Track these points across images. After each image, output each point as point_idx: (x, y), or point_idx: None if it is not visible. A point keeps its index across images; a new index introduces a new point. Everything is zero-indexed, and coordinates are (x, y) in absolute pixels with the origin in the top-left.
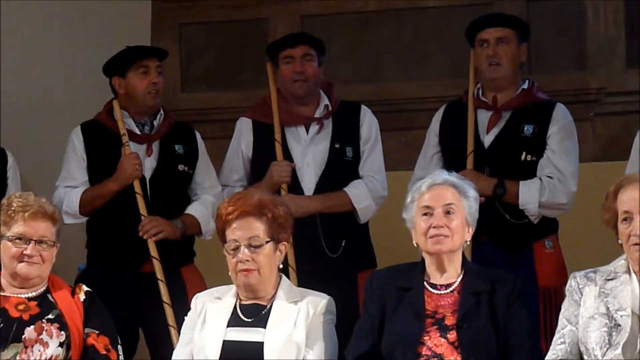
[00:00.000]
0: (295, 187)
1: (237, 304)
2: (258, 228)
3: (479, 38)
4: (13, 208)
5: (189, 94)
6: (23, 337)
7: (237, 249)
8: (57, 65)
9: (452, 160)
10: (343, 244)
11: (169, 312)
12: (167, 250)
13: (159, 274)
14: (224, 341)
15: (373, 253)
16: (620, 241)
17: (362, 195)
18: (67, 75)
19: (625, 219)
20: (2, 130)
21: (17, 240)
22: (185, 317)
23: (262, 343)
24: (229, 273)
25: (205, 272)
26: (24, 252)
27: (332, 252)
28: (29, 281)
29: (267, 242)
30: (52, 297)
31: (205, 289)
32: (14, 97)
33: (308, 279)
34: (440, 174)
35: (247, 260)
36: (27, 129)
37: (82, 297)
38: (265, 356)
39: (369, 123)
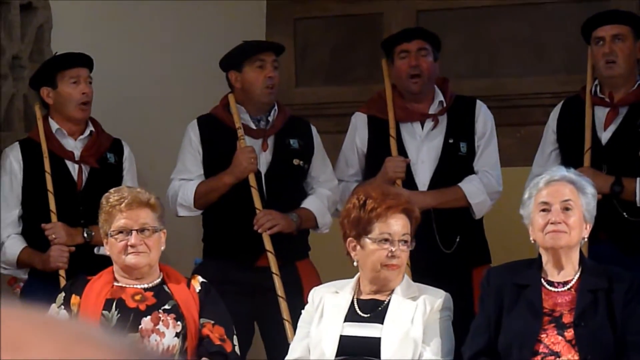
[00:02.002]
0: (409, 182)
1: (355, 298)
2: (407, 227)
3: (594, 35)
4: (110, 204)
5: (304, 88)
6: (140, 327)
7: (387, 241)
8: (172, 59)
9: (570, 157)
10: (458, 240)
11: (283, 306)
12: (282, 244)
13: (274, 268)
14: (341, 336)
15: (488, 249)
16: None
17: (477, 191)
18: (182, 69)
19: None
20: (118, 124)
21: (119, 234)
22: (302, 311)
23: (379, 339)
24: (363, 264)
25: (320, 266)
26: (128, 243)
27: (447, 248)
28: (140, 271)
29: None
30: (168, 288)
31: (320, 283)
32: (129, 92)
33: (422, 275)
34: (558, 170)
35: (399, 257)
36: (142, 123)
37: (197, 287)
38: (382, 352)
39: (484, 118)
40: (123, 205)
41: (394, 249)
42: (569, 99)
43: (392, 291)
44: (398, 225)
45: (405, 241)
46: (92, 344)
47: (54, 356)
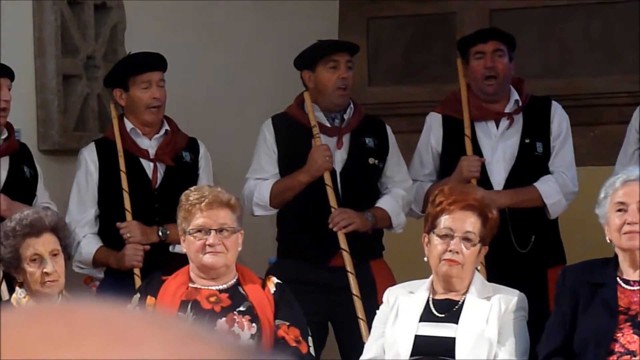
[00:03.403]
0: (484, 182)
1: (430, 298)
2: (474, 225)
3: None
4: (190, 202)
5: (376, 88)
6: (214, 329)
7: (448, 236)
8: (246, 58)
9: None
10: (532, 239)
11: (358, 305)
12: (356, 243)
13: (349, 267)
14: (416, 336)
15: (562, 249)
16: None
17: (552, 191)
18: (255, 68)
19: None
20: (192, 124)
21: (198, 233)
22: (377, 311)
23: (454, 339)
24: (429, 259)
25: (394, 266)
26: (206, 242)
27: (522, 247)
28: (216, 271)
29: (478, 241)
30: (243, 290)
31: (394, 283)
32: (202, 91)
33: (497, 275)
34: (634, 170)
35: (457, 252)
36: (215, 122)
37: (272, 289)
38: (457, 352)
39: (559, 118)
40: (203, 204)
41: (452, 243)
42: None
43: (467, 291)
44: (462, 221)
45: (469, 239)
46: (204, 342)
47: (166, 352)
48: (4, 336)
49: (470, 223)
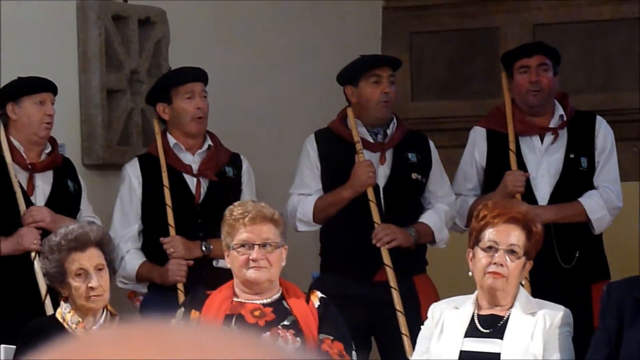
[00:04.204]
0: (529, 197)
1: (475, 314)
2: (519, 238)
3: None
4: (233, 217)
5: (419, 102)
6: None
7: (492, 249)
8: (289, 73)
9: None
10: (577, 255)
11: (402, 320)
12: (400, 259)
13: (393, 282)
14: (461, 351)
15: (607, 264)
16: None
17: (597, 206)
18: (298, 83)
19: None
20: (235, 139)
21: (241, 248)
22: (422, 327)
23: (499, 354)
24: (474, 273)
25: (438, 281)
26: (250, 257)
27: (566, 263)
28: (260, 286)
29: (523, 254)
30: (287, 304)
31: (438, 298)
32: (245, 106)
33: (542, 291)
34: None
35: (502, 265)
36: (259, 138)
37: (316, 303)
38: None
39: (604, 133)
40: (247, 219)
41: (497, 256)
42: None
43: (512, 306)
44: (506, 234)
45: (514, 252)
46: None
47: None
48: (95, 358)
49: (514, 236)
